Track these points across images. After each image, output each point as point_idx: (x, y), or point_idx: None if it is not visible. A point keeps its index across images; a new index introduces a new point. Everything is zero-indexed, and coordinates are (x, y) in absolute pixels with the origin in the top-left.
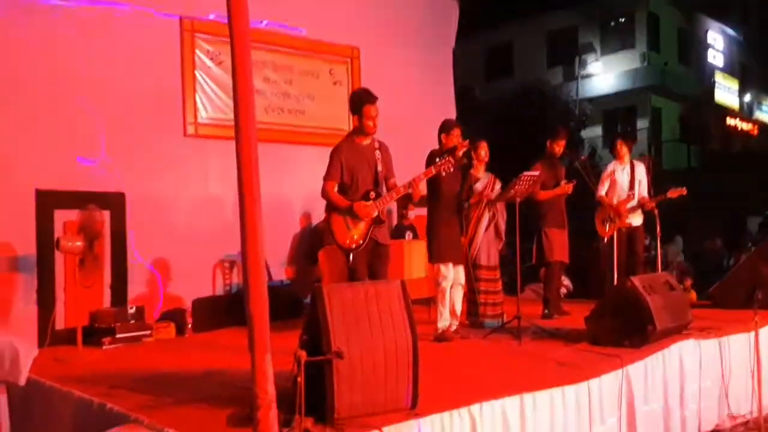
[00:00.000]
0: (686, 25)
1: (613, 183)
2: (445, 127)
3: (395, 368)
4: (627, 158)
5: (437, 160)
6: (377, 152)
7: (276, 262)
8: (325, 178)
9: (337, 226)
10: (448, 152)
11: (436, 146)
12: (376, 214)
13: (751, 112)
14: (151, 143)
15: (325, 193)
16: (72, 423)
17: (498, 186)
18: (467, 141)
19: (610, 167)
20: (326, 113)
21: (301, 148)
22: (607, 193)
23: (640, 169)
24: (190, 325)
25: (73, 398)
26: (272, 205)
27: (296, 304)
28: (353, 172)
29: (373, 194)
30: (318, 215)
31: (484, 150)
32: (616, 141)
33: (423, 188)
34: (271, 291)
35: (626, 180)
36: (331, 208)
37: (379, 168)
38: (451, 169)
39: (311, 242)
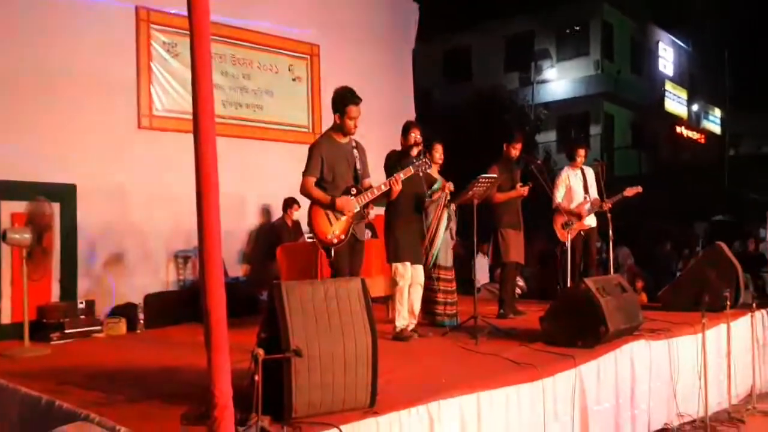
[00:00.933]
0: (639, 35)
1: (568, 188)
2: (406, 130)
3: (354, 367)
4: (580, 165)
5: (414, 160)
6: (355, 151)
7: (232, 259)
8: (305, 173)
9: (318, 220)
10: (403, 152)
11: (396, 146)
12: (358, 209)
13: (698, 121)
14: (104, 134)
15: (305, 188)
16: (19, 421)
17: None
18: (420, 140)
19: (563, 173)
20: (285, 109)
21: (258, 144)
22: (563, 198)
23: (590, 174)
24: (142, 321)
25: (20, 395)
26: (229, 201)
27: (252, 302)
28: (333, 168)
29: (354, 190)
30: (276, 212)
31: (438, 152)
32: (577, 147)
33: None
34: (227, 288)
35: (580, 185)
36: (312, 203)
37: (358, 166)
38: (428, 170)
39: (269, 239)
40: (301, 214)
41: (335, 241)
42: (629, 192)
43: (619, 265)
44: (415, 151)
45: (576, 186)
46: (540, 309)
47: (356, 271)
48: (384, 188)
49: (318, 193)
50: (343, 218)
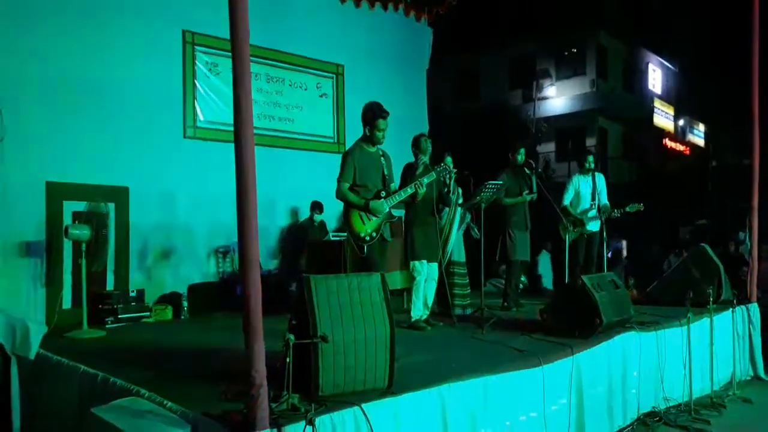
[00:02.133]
0: (630, 57)
1: (576, 193)
2: (416, 143)
3: (374, 352)
4: (591, 171)
5: (435, 167)
6: (382, 159)
7: (265, 253)
8: (340, 180)
9: (353, 221)
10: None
11: (412, 156)
12: (388, 210)
13: (684, 134)
14: (153, 142)
15: (340, 193)
16: (78, 394)
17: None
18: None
19: (574, 178)
20: (312, 122)
21: (289, 152)
22: (571, 202)
23: (601, 180)
24: (186, 308)
25: (79, 372)
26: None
27: (282, 292)
28: (364, 174)
29: (383, 193)
30: (303, 213)
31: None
32: (587, 155)
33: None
34: (262, 279)
35: (589, 190)
36: (348, 205)
37: (386, 172)
38: (449, 175)
39: (297, 236)
40: (323, 216)
41: (368, 239)
42: (632, 207)
43: (613, 264)
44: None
45: (585, 191)
46: (540, 302)
47: (384, 266)
48: (411, 191)
49: (353, 197)
50: (375, 219)
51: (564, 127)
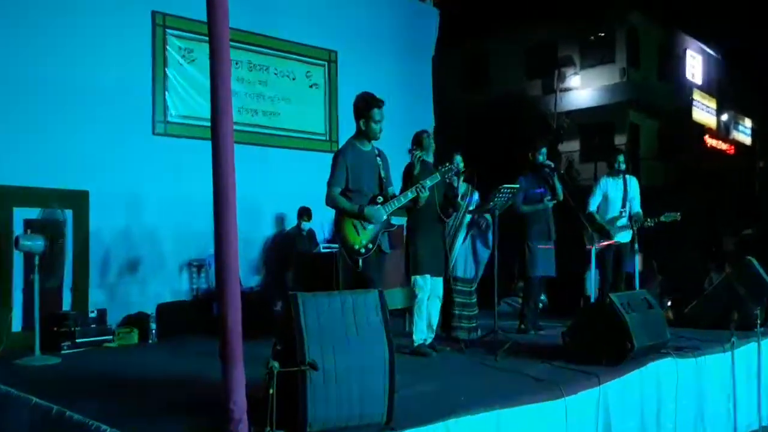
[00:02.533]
0: (666, 42)
1: (604, 198)
2: (416, 141)
3: (371, 382)
4: (621, 173)
5: (440, 167)
6: (378, 159)
7: (246, 268)
8: (331, 183)
9: (346, 230)
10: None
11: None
12: (385, 217)
13: (728, 131)
14: (117, 140)
15: (331, 199)
16: (29, 430)
17: (476, 196)
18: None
19: (602, 181)
20: (301, 116)
21: (274, 151)
22: (598, 208)
23: (634, 184)
24: (154, 331)
25: (30, 404)
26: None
27: (266, 312)
28: (358, 177)
29: (380, 198)
30: (291, 220)
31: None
32: (616, 154)
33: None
34: (241, 298)
35: (620, 195)
36: (339, 213)
37: (382, 174)
38: (452, 177)
39: (282, 248)
40: (313, 224)
41: (363, 251)
42: (668, 217)
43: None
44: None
45: (614, 195)
46: (561, 324)
47: (381, 282)
48: (411, 195)
49: (345, 203)
50: (371, 228)
51: (590, 122)
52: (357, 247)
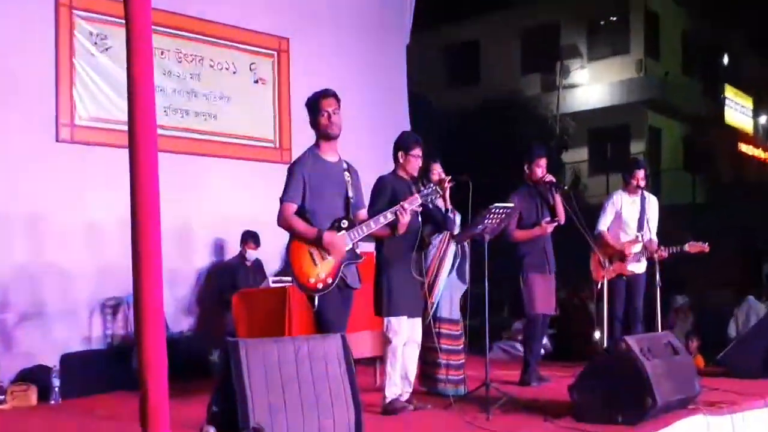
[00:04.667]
0: (692, 28)
1: (617, 217)
2: (403, 145)
3: None
4: (639, 190)
5: (421, 188)
6: (346, 173)
7: (175, 308)
8: (283, 199)
9: (300, 259)
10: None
11: (388, 162)
12: (350, 246)
13: (767, 136)
14: (13, 148)
15: (283, 218)
16: None
17: (457, 219)
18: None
19: (616, 197)
20: (245, 118)
21: (210, 162)
22: (609, 229)
23: (653, 205)
24: (57, 388)
25: None
26: (171, 234)
27: (200, 363)
28: (319, 193)
29: (345, 222)
30: (232, 248)
31: (437, 173)
32: (634, 168)
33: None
34: (168, 345)
35: (635, 216)
36: (292, 237)
37: (350, 192)
38: (435, 200)
39: (221, 282)
40: (261, 252)
41: (320, 286)
42: (692, 248)
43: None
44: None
45: (629, 216)
46: (567, 374)
47: (344, 326)
48: (384, 221)
49: (301, 224)
50: (332, 258)
51: (600, 126)
52: (313, 281)
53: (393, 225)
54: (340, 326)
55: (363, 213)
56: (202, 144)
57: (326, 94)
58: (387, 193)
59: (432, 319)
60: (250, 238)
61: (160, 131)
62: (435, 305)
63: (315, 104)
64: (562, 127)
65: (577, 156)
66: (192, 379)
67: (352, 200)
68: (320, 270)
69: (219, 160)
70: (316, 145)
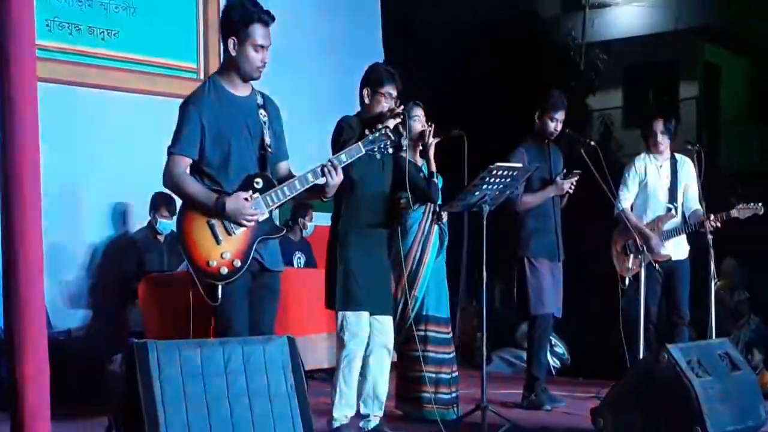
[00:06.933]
0: None
1: (643, 189)
2: (372, 80)
3: None
4: (667, 150)
5: (366, 133)
6: (262, 111)
7: (60, 297)
8: (172, 150)
9: (196, 236)
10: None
11: (354, 104)
12: (266, 215)
13: None
14: None
15: (171, 176)
16: None
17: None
18: (402, 106)
19: (638, 163)
20: (156, 38)
21: (109, 97)
22: (633, 206)
23: (687, 168)
24: None
25: None
26: (55, 197)
27: (95, 372)
28: (223, 141)
29: (260, 182)
30: (138, 217)
31: (419, 122)
32: (651, 120)
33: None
34: (52, 347)
35: (665, 184)
36: (184, 203)
37: (267, 139)
38: (388, 150)
39: (124, 263)
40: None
41: (225, 271)
42: (742, 211)
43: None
44: (391, 123)
45: (657, 185)
46: (588, 394)
47: (263, 325)
48: (311, 180)
49: (195, 186)
50: (240, 231)
51: (640, 62)
52: (214, 264)
53: (320, 187)
54: (257, 328)
55: (285, 166)
56: (98, 72)
57: (264, 18)
58: (349, 141)
59: (414, 319)
60: (162, 203)
61: (39, 53)
62: (418, 300)
63: (242, 25)
64: (588, 61)
65: (609, 101)
66: (84, 396)
67: (270, 150)
68: (224, 249)
69: (121, 94)
70: (222, 72)
